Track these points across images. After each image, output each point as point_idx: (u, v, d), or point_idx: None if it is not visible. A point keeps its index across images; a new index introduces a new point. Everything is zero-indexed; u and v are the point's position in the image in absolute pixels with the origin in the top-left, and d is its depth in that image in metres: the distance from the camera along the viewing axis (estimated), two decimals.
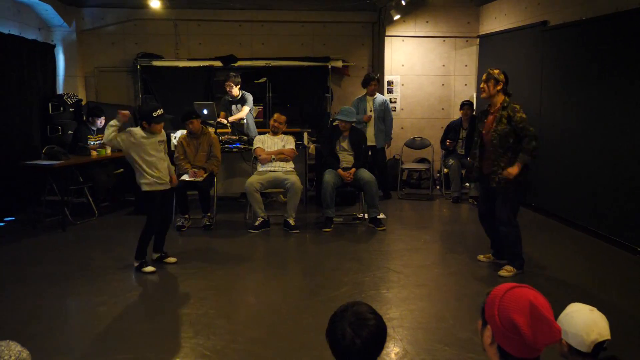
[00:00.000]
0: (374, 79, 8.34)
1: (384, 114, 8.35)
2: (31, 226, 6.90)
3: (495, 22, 9.03)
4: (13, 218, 7.35)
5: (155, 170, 5.27)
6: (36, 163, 6.89)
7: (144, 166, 5.22)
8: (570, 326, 2.18)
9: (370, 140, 8.25)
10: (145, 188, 5.27)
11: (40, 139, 8.03)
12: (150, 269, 5.29)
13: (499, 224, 5.19)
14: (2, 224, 7.13)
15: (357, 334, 1.74)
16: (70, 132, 8.10)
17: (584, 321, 2.17)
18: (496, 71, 5.09)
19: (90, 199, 7.51)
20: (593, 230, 6.40)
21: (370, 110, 8.29)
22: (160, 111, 5.27)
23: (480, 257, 5.65)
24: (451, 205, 8.28)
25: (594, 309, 2.23)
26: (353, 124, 7.12)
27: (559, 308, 2.16)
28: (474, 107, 8.91)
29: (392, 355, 3.65)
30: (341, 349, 1.76)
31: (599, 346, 2.16)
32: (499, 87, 5.07)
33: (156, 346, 3.79)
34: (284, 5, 9.67)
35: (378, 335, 1.77)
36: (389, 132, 8.47)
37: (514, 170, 4.97)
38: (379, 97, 8.39)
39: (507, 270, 5.17)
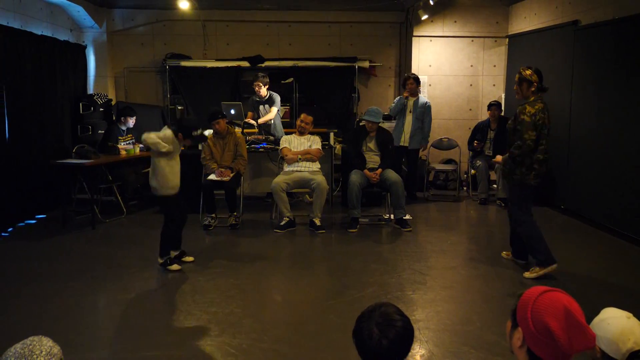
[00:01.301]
0: (409, 77, 8.32)
1: (423, 115, 8.31)
2: (61, 224, 7.02)
3: (525, 22, 8.93)
4: (44, 215, 7.49)
5: (175, 178, 5.33)
6: (67, 162, 7.01)
7: (167, 172, 5.26)
8: (606, 332, 2.12)
9: (405, 141, 8.24)
10: (163, 192, 5.29)
11: (71, 138, 8.17)
12: (175, 267, 5.34)
13: (512, 221, 5.32)
14: (33, 221, 7.27)
15: (383, 334, 1.74)
16: (100, 131, 8.23)
17: (620, 329, 2.11)
18: (528, 72, 5.00)
19: (119, 198, 7.62)
20: (623, 234, 6.29)
21: (410, 111, 8.26)
22: (199, 132, 5.39)
23: (503, 253, 5.72)
24: (478, 206, 8.21)
25: (631, 315, 2.17)
26: (380, 125, 7.10)
27: (588, 312, 2.12)
28: (502, 108, 8.82)
29: (418, 358, 3.63)
30: (367, 349, 1.76)
31: (634, 355, 2.11)
32: (532, 89, 4.99)
33: (182, 344, 3.82)
34: (312, 6, 9.68)
35: (405, 337, 1.77)
36: (427, 135, 8.42)
37: (498, 158, 5.34)
38: (420, 98, 8.36)
39: (532, 272, 5.13)
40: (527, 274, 5.11)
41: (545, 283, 4.58)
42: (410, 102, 8.27)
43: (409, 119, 8.25)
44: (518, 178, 5.06)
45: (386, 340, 1.73)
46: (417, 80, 8.34)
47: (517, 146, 4.97)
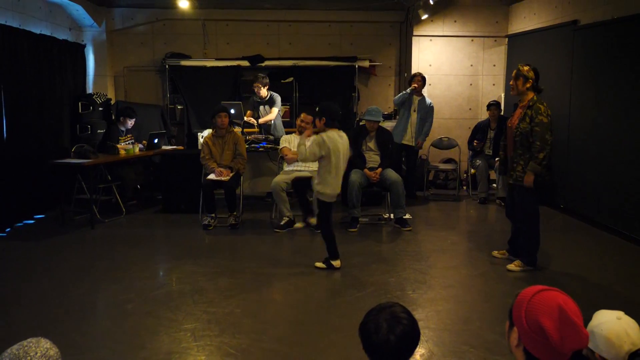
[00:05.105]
0: (418, 75, 8.30)
1: (427, 116, 8.30)
2: (60, 224, 7.01)
3: (524, 22, 8.91)
4: (43, 216, 7.48)
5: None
6: (66, 161, 6.99)
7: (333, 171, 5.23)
8: (602, 339, 2.10)
9: (408, 140, 8.23)
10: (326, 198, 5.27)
11: (70, 137, 8.16)
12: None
13: (518, 221, 5.30)
14: (32, 221, 7.25)
15: (391, 329, 1.76)
16: (99, 131, 8.21)
17: (615, 332, 2.09)
18: (526, 68, 5.07)
19: (119, 197, 7.60)
20: (623, 233, 6.28)
21: (414, 110, 8.25)
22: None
23: (495, 252, 5.71)
24: (478, 206, 8.20)
25: (622, 315, 2.14)
26: (380, 124, 7.09)
27: (587, 310, 2.10)
28: (502, 108, 8.81)
29: (418, 357, 3.62)
30: (373, 344, 1.78)
31: (634, 355, 2.09)
32: (528, 85, 5.06)
33: (182, 344, 3.81)
34: (312, 5, 9.67)
35: (411, 337, 1.80)
36: (426, 133, 8.41)
37: (529, 178, 5.00)
38: (425, 99, 8.35)
39: (515, 265, 5.25)
40: (511, 267, 5.25)
41: (544, 282, 4.58)
42: (415, 101, 8.25)
43: (413, 118, 8.24)
44: (541, 180, 5.05)
45: (393, 335, 1.75)
46: (424, 80, 8.33)
47: (539, 149, 4.94)
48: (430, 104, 8.39)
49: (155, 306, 4.51)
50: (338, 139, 5.17)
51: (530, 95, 5.07)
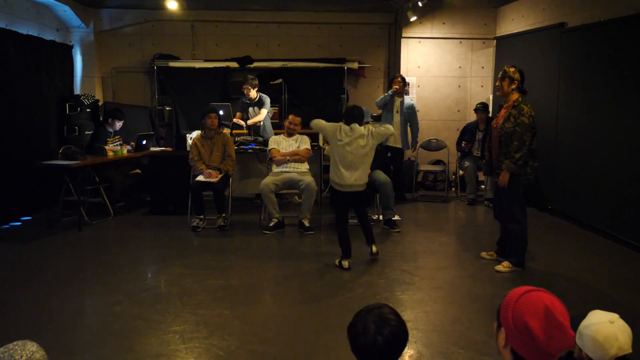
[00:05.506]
0: (397, 76, 8.32)
1: (410, 116, 8.33)
2: (48, 226, 6.95)
3: (512, 24, 8.96)
4: (30, 217, 7.42)
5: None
6: (53, 163, 6.94)
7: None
8: (591, 339, 2.11)
9: (395, 142, 8.25)
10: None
11: (57, 139, 8.10)
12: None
13: (506, 221, 5.33)
14: (18, 223, 7.19)
15: (379, 331, 1.76)
16: (87, 132, 8.15)
17: (604, 335, 2.09)
18: (512, 69, 5.16)
19: (106, 199, 7.55)
20: (611, 234, 6.32)
21: (397, 111, 8.27)
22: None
23: (483, 253, 5.73)
24: (466, 207, 8.23)
25: (615, 319, 2.14)
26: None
27: (573, 312, 2.10)
28: (490, 109, 8.84)
29: (407, 358, 3.62)
30: (361, 345, 1.78)
31: None
32: (513, 86, 5.15)
33: (171, 346, 3.80)
34: (301, 7, 9.67)
35: (399, 338, 1.80)
36: (415, 137, 8.45)
37: (504, 178, 5.10)
38: (407, 100, 8.38)
39: (503, 266, 5.30)
40: (499, 268, 5.29)
41: (532, 283, 4.60)
42: (397, 102, 8.28)
43: (397, 119, 8.26)
44: (525, 179, 5.14)
45: (381, 336, 1.76)
46: (404, 81, 8.37)
47: (516, 149, 5.02)
48: (412, 105, 8.41)
49: (143, 308, 4.49)
50: (348, 133, 5.41)
51: (515, 96, 5.15)
